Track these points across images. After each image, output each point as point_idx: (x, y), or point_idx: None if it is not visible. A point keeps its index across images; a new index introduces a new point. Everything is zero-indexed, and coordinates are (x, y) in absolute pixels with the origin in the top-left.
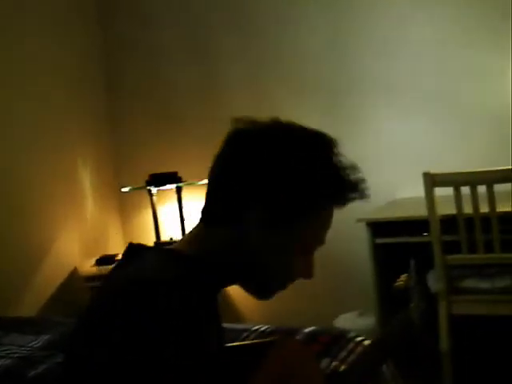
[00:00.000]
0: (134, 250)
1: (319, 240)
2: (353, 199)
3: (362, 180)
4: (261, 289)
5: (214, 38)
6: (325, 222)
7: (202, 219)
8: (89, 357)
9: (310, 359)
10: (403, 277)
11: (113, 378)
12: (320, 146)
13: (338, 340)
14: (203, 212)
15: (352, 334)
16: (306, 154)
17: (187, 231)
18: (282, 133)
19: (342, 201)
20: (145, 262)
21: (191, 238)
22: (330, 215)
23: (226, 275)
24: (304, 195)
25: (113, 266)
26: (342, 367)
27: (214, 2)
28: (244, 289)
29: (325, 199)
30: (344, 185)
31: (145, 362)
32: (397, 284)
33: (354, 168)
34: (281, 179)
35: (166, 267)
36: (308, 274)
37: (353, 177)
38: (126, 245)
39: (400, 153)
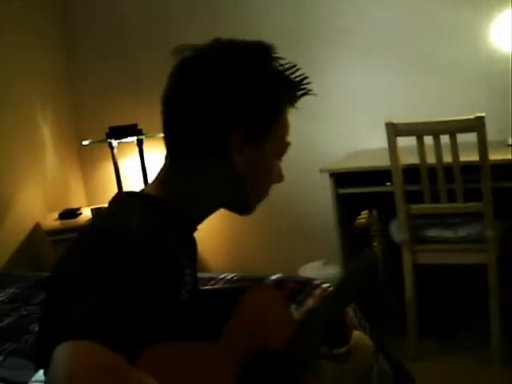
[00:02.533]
0: (115, 198)
1: (286, 144)
2: (301, 96)
3: (305, 77)
4: (245, 206)
5: None
6: (286, 125)
7: (170, 160)
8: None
9: (282, 304)
10: (364, 213)
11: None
12: (262, 54)
13: (303, 286)
14: (171, 151)
15: (317, 281)
16: (254, 66)
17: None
18: (225, 52)
19: (294, 99)
20: (120, 210)
21: (162, 180)
22: (287, 118)
23: (203, 211)
24: (266, 104)
25: (75, 219)
26: None
27: None
28: (226, 209)
29: (281, 101)
30: (292, 84)
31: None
32: (358, 221)
33: (294, 67)
34: (242, 96)
35: (140, 215)
36: (280, 177)
37: (297, 75)
38: (88, 198)
39: (363, 103)
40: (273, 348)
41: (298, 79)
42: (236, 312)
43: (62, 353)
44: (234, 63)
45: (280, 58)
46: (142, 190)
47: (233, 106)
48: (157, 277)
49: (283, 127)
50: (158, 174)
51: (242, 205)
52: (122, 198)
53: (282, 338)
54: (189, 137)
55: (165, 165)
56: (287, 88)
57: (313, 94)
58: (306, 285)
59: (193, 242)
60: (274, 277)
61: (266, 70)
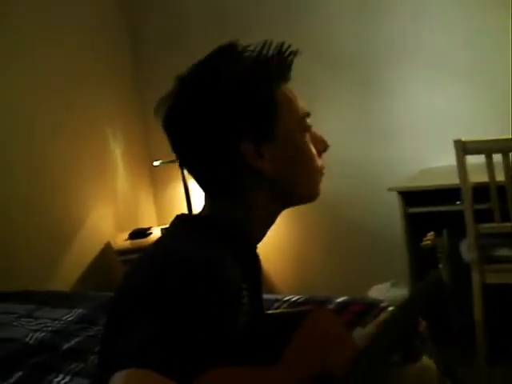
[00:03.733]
0: (175, 220)
1: (301, 117)
2: (286, 65)
3: (280, 45)
4: (304, 196)
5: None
6: (289, 102)
7: (206, 193)
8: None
9: (342, 328)
10: (430, 235)
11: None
12: (222, 60)
13: (370, 309)
14: (203, 185)
15: (384, 304)
16: (218, 77)
17: None
18: (191, 77)
19: (280, 74)
20: (180, 231)
21: (211, 209)
22: (285, 94)
23: (263, 225)
24: (250, 103)
25: (145, 239)
26: None
27: None
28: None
29: (264, 89)
30: (266, 65)
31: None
32: (424, 243)
33: (265, 45)
34: (224, 112)
35: (198, 245)
36: (323, 144)
37: (272, 50)
38: (158, 218)
39: (431, 121)
40: (336, 371)
41: (272, 54)
42: (296, 336)
43: (118, 381)
44: (201, 86)
45: (247, 46)
46: (199, 214)
47: (223, 127)
48: (213, 300)
49: (286, 105)
50: (204, 206)
51: (300, 197)
52: (182, 220)
53: (344, 361)
54: (204, 174)
55: (205, 197)
56: (263, 72)
57: (294, 53)
58: (372, 307)
59: (255, 260)
60: (339, 299)
61: (230, 73)
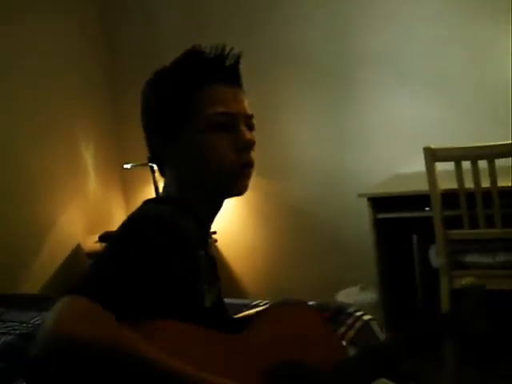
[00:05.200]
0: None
1: (214, 116)
2: (218, 66)
3: (220, 49)
4: (221, 188)
5: (213, 21)
6: (206, 101)
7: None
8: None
9: (322, 323)
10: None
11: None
12: (155, 75)
13: (336, 315)
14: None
15: (351, 309)
16: (148, 86)
17: None
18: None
19: (212, 76)
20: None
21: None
22: (210, 92)
23: (200, 205)
24: (158, 109)
25: None
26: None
27: None
28: (222, 201)
29: (186, 88)
30: (186, 72)
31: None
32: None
33: (212, 48)
34: (145, 112)
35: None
36: (242, 141)
37: (212, 53)
38: None
39: (401, 128)
40: (310, 363)
41: (209, 57)
42: (265, 317)
43: (60, 303)
44: (146, 87)
45: (201, 54)
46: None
47: (146, 121)
48: (170, 251)
49: (202, 106)
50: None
51: (216, 189)
52: (149, 199)
53: (321, 356)
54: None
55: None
56: (184, 77)
57: (235, 57)
58: (339, 313)
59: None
60: (309, 303)
61: (164, 78)
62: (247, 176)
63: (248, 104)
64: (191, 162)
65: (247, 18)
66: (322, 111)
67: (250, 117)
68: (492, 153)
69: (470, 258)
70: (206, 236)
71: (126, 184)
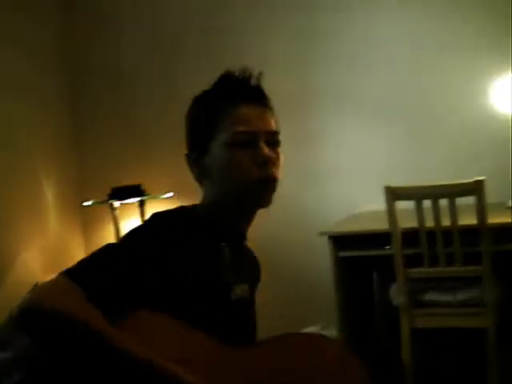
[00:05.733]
0: None
1: (232, 134)
2: (241, 87)
3: (243, 72)
4: (243, 200)
5: (176, 50)
6: (232, 119)
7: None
8: None
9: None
10: None
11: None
12: (197, 97)
13: None
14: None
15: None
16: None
17: None
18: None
19: (236, 96)
20: None
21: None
22: (236, 111)
23: (231, 217)
24: (193, 130)
25: None
26: None
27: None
28: (251, 212)
29: (213, 108)
30: (227, 87)
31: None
32: None
33: (240, 71)
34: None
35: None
36: (259, 157)
37: (237, 76)
38: None
39: (362, 166)
40: None
41: (234, 80)
42: (271, 342)
43: (47, 281)
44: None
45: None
46: None
47: (186, 136)
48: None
49: (227, 124)
50: None
51: (239, 200)
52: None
53: None
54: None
55: None
56: (212, 98)
57: (256, 77)
58: None
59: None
60: None
61: (195, 107)
62: (267, 190)
63: (274, 121)
64: (217, 174)
65: (206, 47)
66: (283, 149)
67: (274, 133)
68: (452, 191)
69: (431, 297)
70: (239, 238)
71: (86, 221)
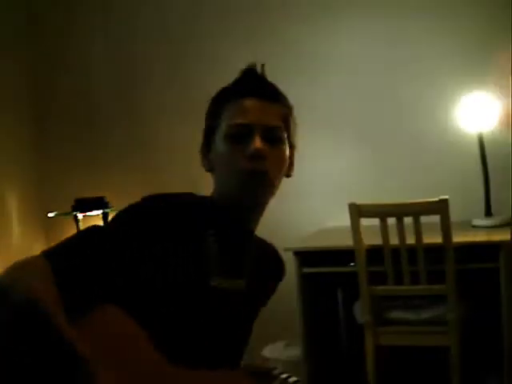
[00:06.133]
0: None
1: (229, 127)
2: (242, 82)
3: (246, 67)
4: (228, 194)
5: (140, 64)
6: (229, 112)
7: None
8: None
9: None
10: None
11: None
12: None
13: (262, 379)
14: None
15: (276, 371)
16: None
17: None
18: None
19: (235, 92)
20: None
21: None
22: (235, 105)
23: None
24: (209, 114)
25: None
26: None
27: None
28: (246, 207)
29: (219, 103)
30: (221, 97)
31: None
32: None
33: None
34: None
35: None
36: (248, 150)
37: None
38: None
39: (327, 182)
40: None
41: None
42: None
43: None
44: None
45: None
46: None
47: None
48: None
49: (225, 117)
50: None
51: (226, 194)
52: None
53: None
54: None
55: None
56: (219, 94)
57: (258, 71)
58: (264, 376)
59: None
60: None
61: (210, 102)
62: (253, 183)
63: (280, 117)
64: (217, 167)
65: (172, 72)
66: None
67: (271, 128)
68: (417, 210)
69: (395, 315)
70: (241, 232)
71: (50, 233)
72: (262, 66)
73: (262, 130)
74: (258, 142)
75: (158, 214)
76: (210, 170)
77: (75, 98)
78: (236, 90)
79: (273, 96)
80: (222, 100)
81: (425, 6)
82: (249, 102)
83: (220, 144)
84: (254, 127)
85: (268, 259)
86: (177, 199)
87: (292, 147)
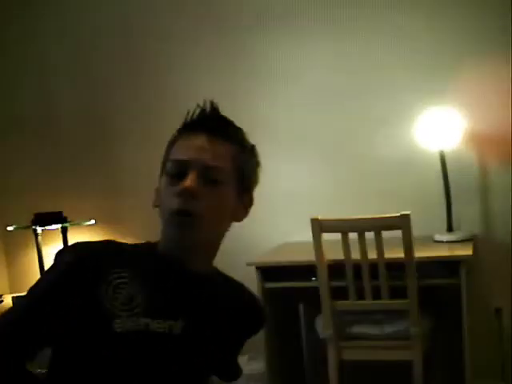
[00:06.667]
0: None
1: (173, 160)
2: (191, 119)
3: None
4: (165, 228)
5: (102, 81)
6: (171, 149)
7: None
8: None
9: None
10: None
11: None
12: None
13: None
14: None
15: None
16: None
17: None
18: None
19: (186, 127)
20: None
21: None
22: (178, 142)
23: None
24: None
25: None
26: None
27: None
28: (181, 246)
29: (172, 140)
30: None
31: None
32: None
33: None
34: None
35: None
36: (176, 187)
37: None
38: (11, 285)
39: (289, 197)
40: None
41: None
42: None
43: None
44: None
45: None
46: None
47: None
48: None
49: (170, 153)
50: None
51: (163, 233)
52: None
53: None
54: None
55: None
56: (174, 136)
57: (205, 110)
58: None
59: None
60: None
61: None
62: (180, 223)
63: (226, 157)
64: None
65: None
66: None
67: (210, 168)
68: (378, 225)
69: (358, 329)
70: (187, 275)
71: (8, 247)
72: (211, 102)
73: (200, 168)
74: (189, 181)
75: (74, 262)
76: (156, 206)
77: (35, 111)
78: (186, 126)
79: (223, 134)
80: (175, 135)
81: (386, 20)
82: (194, 139)
83: (161, 180)
84: (189, 165)
85: (239, 307)
86: (95, 244)
87: (247, 189)
